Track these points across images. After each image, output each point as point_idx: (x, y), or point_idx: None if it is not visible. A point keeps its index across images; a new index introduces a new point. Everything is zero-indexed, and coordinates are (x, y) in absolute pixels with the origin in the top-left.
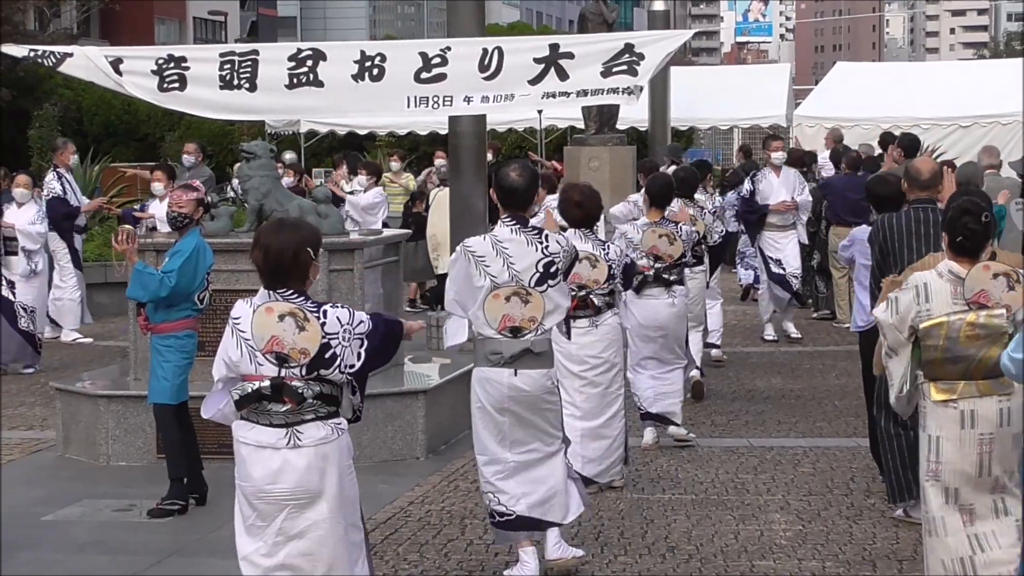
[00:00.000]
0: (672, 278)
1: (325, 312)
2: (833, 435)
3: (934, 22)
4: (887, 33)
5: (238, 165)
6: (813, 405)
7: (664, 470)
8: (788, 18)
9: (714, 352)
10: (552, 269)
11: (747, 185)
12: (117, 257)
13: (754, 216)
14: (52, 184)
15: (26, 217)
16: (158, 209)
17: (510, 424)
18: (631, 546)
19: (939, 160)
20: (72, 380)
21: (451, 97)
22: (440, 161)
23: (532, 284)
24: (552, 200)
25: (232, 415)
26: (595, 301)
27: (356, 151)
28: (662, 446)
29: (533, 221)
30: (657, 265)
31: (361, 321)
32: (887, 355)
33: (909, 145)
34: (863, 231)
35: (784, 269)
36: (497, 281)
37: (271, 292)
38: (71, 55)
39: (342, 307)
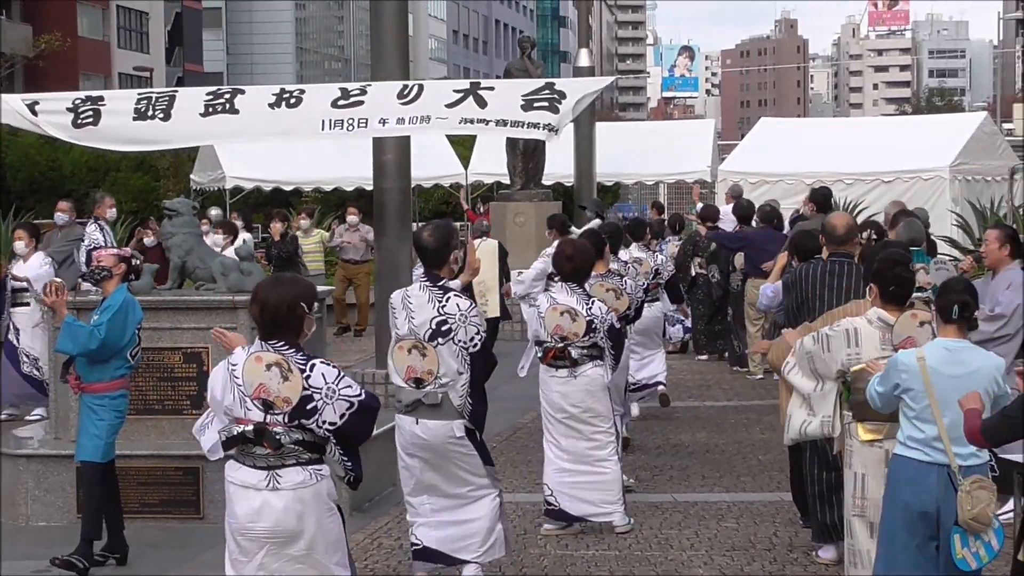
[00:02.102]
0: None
1: (313, 366)
2: (757, 490)
3: (857, 78)
4: (812, 89)
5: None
6: (737, 460)
7: (588, 525)
8: (714, 74)
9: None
10: (444, 328)
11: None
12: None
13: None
14: (94, 235)
15: (32, 268)
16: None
17: (420, 468)
18: None
19: (857, 213)
20: None
21: (366, 119)
22: (353, 218)
23: (426, 339)
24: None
25: (217, 452)
26: (572, 353)
27: (282, 207)
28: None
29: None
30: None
31: (349, 385)
32: (797, 375)
33: (821, 199)
34: (772, 285)
35: None
36: (399, 332)
37: (263, 343)
38: None
39: (332, 367)
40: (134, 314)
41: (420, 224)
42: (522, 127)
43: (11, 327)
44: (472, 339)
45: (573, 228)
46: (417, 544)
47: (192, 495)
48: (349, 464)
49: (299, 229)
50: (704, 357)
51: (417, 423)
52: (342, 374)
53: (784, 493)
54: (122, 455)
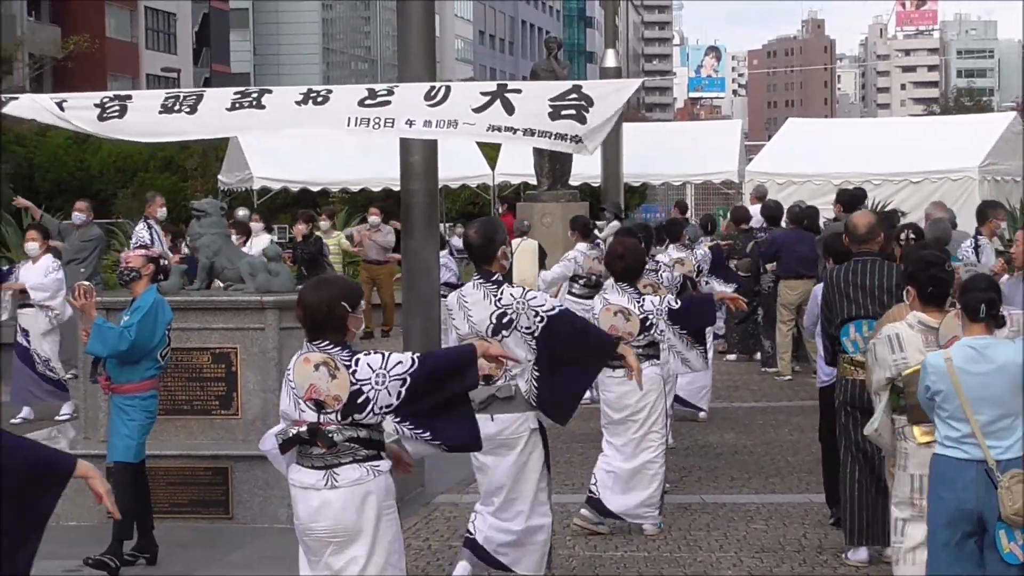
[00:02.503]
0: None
1: (357, 360)
2: (786, 491)
3: (885, 78)
4: (839, 89)
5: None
6: (766, 461)
7: (616, 526)
8: (741, 74)
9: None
10: (505, 320)
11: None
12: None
13: None
14: (142, 233)
15: (40, 270)
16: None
17: (493, 466)
18: None
19: (887, 212)
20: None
21: (393, 119)
22: (374, 218)
23: (489, 334)
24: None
25: (276, 458)
26: None
27: (309, 207)
28: None
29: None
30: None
31: (399, 362)
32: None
33: (848, 200)
34: (820, 288)
35: None
36: (460, 332)
37: (309, 344)
38: (16, 99)
39: (376, 353)
40: (163, 315)
41: (447, 225)
42: (549, 137)
43: (20, 329)
44: (535, 320)
45: (598, 226)
46: (470, 534)
47: (221, 495)
48: (428, 435)
49: (320, 232)
50: (733, 357)
51: (492, 419)
52: (388, 355)
53: (813, 495)
54: (151, 455)
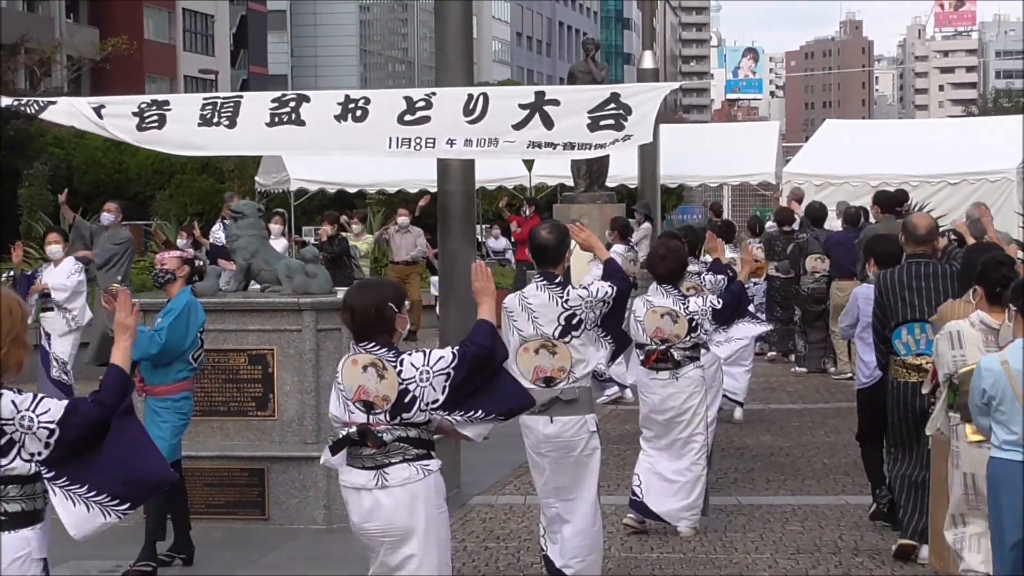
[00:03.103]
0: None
1: (402, 360)
2: (822, 493)
3: (923, 79)
4: (877, 90)
5: (226, 223)
6: (802, 463)
7: (652, 527)
8: (778, 75)
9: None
10: (574, 321)
11: None
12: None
13: None
14: (218, 234)
15: (62, 272)
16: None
17: (551, 468)
18: None
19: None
20: None
21: (434, 139)
22: (403, 219)
23: (556, 336)
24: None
25: (334, 462)
26: (675, 355)
27: (347, 208)
28: None
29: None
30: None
31: (440, 358)
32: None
33: (885, 201)
34: (863, 290)
35: None
36: (524, 335)
37: (357, 346)
38: (55, 103)
39: (418, 352)
40: (196, 317)
41: (483, 226)
42: (590, 148)
43: (42, 332)
44: (603, 308)
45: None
46: (542, 550)
47: (257, 496)
48: (480, 414)
49: (351, 233)
50: (773, 354)
51: (552, 420)
52: (429, 352)
53: (850, 496)
54: (188, 456)
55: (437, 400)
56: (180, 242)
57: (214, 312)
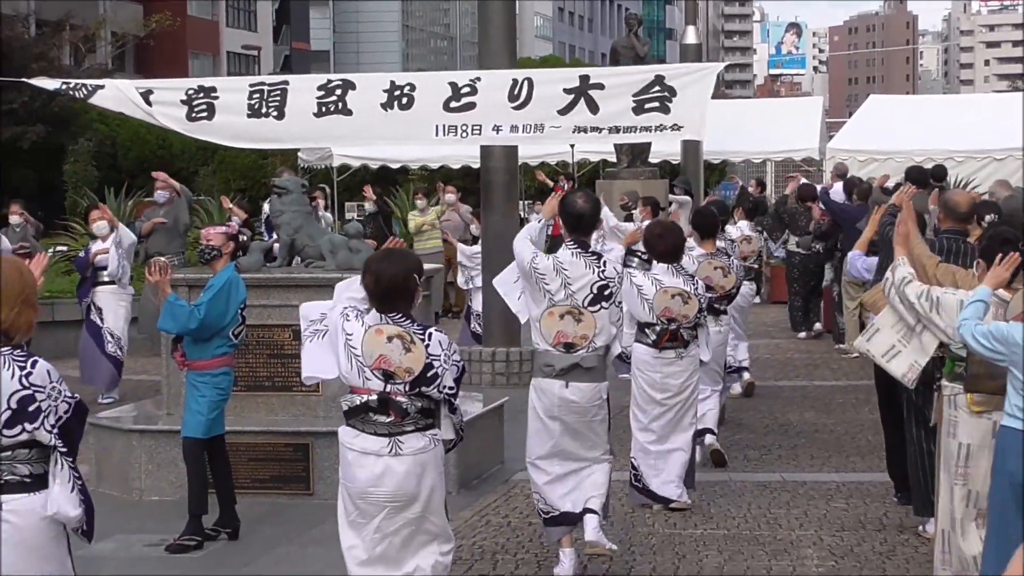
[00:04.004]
0: (722, 308)
1: (430, 335)
2: (867, 470)
3: (968, 54)
4: (921, 65)
5: (270, 199)
6: (846, 440)
7: (696, 504)
8: (821, 51)
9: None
10: (606, 292)
11: None
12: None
13: None
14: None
15: (110, 247)
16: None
17: (560, 432)
18: None
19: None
20: (105, 414)
21: (480, 126)
22: (451, 196)
23: (586, 304)
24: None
25: (328, 371)
26: (683, 335)
27: (389, 185)
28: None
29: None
30: (710, 295)
31: (456, 352)
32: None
33: (917, 177)
34: (857, 254)
35: None
36: (554, 299)
37: (382, 315)
38: (102, 87)
39: (444, 332)
40: (237, 294)
41: (526, 202)
42: (635, 131)
43: (93, 307)
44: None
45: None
46: (552, 511)
47: (302, 471)
48: (460, 423)
49: (416, 210)
50: (803, 335)
51: (567, 386)
52: (451, 342)
53: None
54: (232, 431)
55: (452, 387)
56: (234, 220)
57: (258, 288)
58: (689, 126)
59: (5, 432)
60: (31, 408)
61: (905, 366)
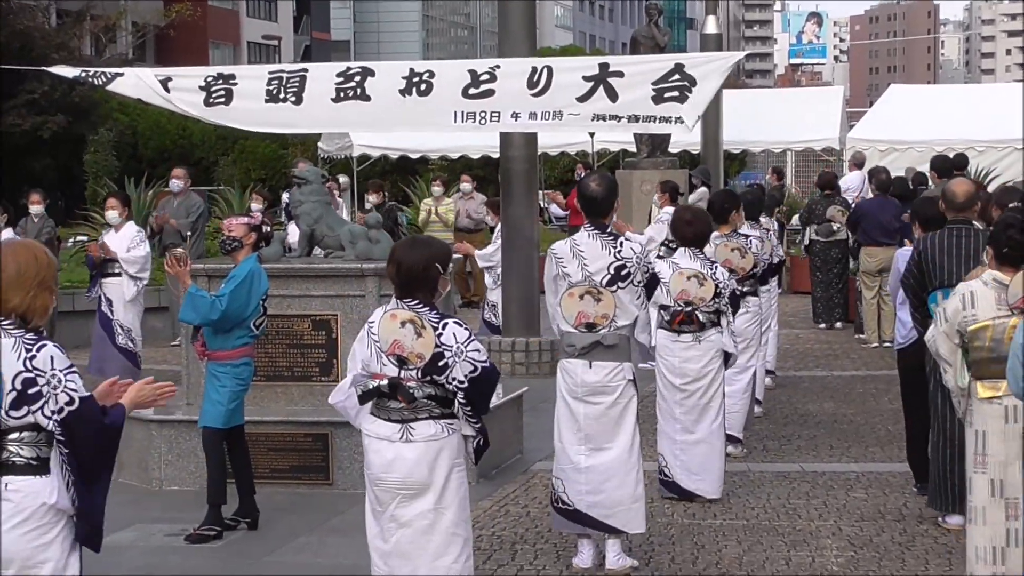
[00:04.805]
0: (746, 290)
1: (445, 325)
2: (886, 460)
3: (990, 43)
4: (942, 55)
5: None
6: (866, 430)
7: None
8: (842, 40)
9: (767, 380)
10: (623, 272)
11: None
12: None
13: None
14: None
15: (124, 243)
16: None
17: (584, 414)
18: (682, 572)
19: (989, 181)
20: None
21: (498, 113)
22: (467, 185)
23: (603, 284)
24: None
25: (352, 409)
26: (700, 317)
27: (409, 175)
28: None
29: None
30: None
31: (477, 349)
32: (943, 368)
33: (941, 167)
34: (903, 251)
35: None
36: (572, 280)
37: (399, 301)
38: (121, 75)
39: (464, 328)
40: (259, 285)
41: (545, 191)
42: (654, 121)
43: (103, 299)
44: (644, 276)
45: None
46: (568, 505)
47: (322, 461)
48: (477, 423)
49: (431, 197)
50: (823, 326)
51: (591, 366)
52: (472, 337)
53: None
54: (252, 421)
55: (463, 383)
56: (254, 206)
57: (278, 278)
58: (688, 120)
59: (11, 413)
60: (31, 391)
61: (952, 380)
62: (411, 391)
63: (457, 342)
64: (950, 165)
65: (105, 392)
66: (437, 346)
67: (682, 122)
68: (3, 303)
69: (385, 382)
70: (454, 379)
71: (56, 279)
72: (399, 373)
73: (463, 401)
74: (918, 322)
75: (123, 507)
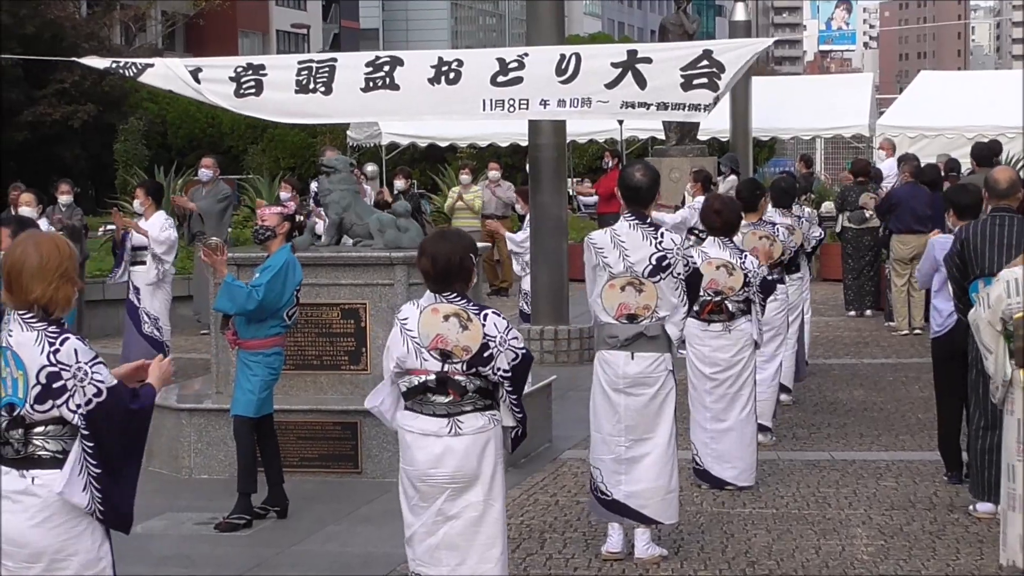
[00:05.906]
0: (775, 276)
1: (486, 316)
2: (916, 448)
3: (1021, 29)
4: (973, 41)
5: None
6: (896, 418)
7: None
8: (872, 26)
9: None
10: (664, 263)
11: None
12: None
13: None
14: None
15: (155, 226)
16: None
17: (625, 406)
18: (711, 560)
19: (1021, 167)
20: None
21: (527, 100)
22: (495, 173)
23: (645, 275)
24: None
25: (388, 412)
26: (729, 307)
27: (437, 163)
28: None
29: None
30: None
31: (516, 336)
32: (984, 355)
33: (979, 154)
34: (940, 239)
35: None
36: (613, 271)
37: (437, 295)
38: (152, 65)
39: (502, 317)
40: (294, 275)
41: (574, 179)
42: (683, 109)
43: (131, 287)
44: (685, 269)
45: (715, 181)
46: (607, 495)
47: (350, 450)
48: (520, 413)
49: (459, 185)
50: (852, 313)
51: (633, 357)
52: (509, 325)
53: None
54: (281, 410)
55: (507, 371)
56: (283, 195)
57: (307, 267)
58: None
59: (36, 407)
60: (56, 385)
61: (991, 366)
62: (463, 384)
63: (499, 332)
64: (990, 153)
65: (130, 374)
66: (484, 337)
67: (706, 108)
68: (25, 294)
69: (432, 377)
70: (499, 369)
71: (78, 270)
72: (443, 367)
73: (509, 389)
74: (960, 312)
75: (153, 495)
